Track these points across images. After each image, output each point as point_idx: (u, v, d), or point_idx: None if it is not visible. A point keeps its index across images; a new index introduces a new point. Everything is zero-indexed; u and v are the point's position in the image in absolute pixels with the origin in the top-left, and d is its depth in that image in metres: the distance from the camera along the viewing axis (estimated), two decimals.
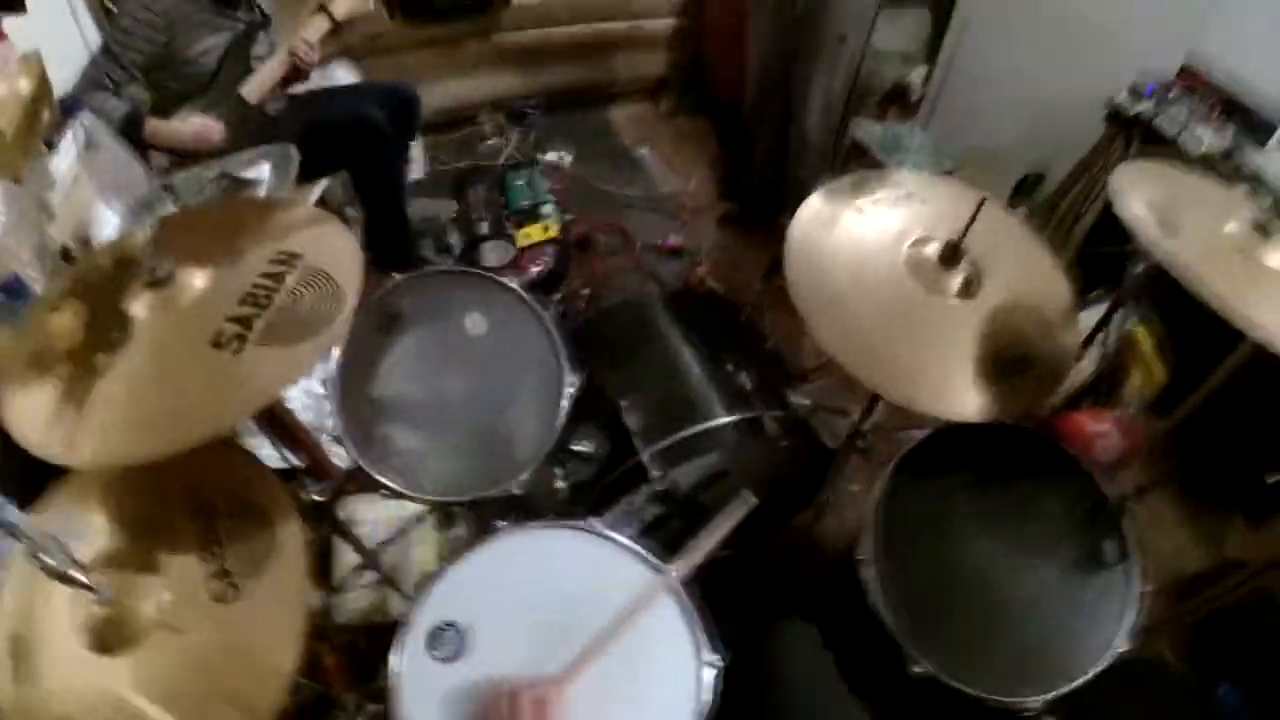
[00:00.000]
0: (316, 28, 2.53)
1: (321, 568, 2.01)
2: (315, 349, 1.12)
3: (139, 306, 1.16)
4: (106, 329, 1.16)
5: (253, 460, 1.30)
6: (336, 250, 1.24)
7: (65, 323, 1.20)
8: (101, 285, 1.24)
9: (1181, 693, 1.92)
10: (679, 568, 1.35)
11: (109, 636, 1.10)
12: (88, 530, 1.17)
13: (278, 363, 1.10)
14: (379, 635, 1.53)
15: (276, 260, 1.20)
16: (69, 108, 2.15)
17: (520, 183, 3.02)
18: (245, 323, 1.12)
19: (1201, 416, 2.14)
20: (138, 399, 1.09)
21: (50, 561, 0.99)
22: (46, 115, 2.12)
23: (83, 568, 1.03)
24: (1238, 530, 2.30)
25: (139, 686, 1.06)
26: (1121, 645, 1.44)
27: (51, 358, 1.15)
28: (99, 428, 1.07)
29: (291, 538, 1.17)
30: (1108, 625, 1.47)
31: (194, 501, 1.20)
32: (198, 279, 1.19)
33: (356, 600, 1.95)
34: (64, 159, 2.05)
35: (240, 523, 1.17)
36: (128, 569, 1.13)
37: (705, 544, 1.41)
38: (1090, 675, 1.42)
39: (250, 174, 2.14)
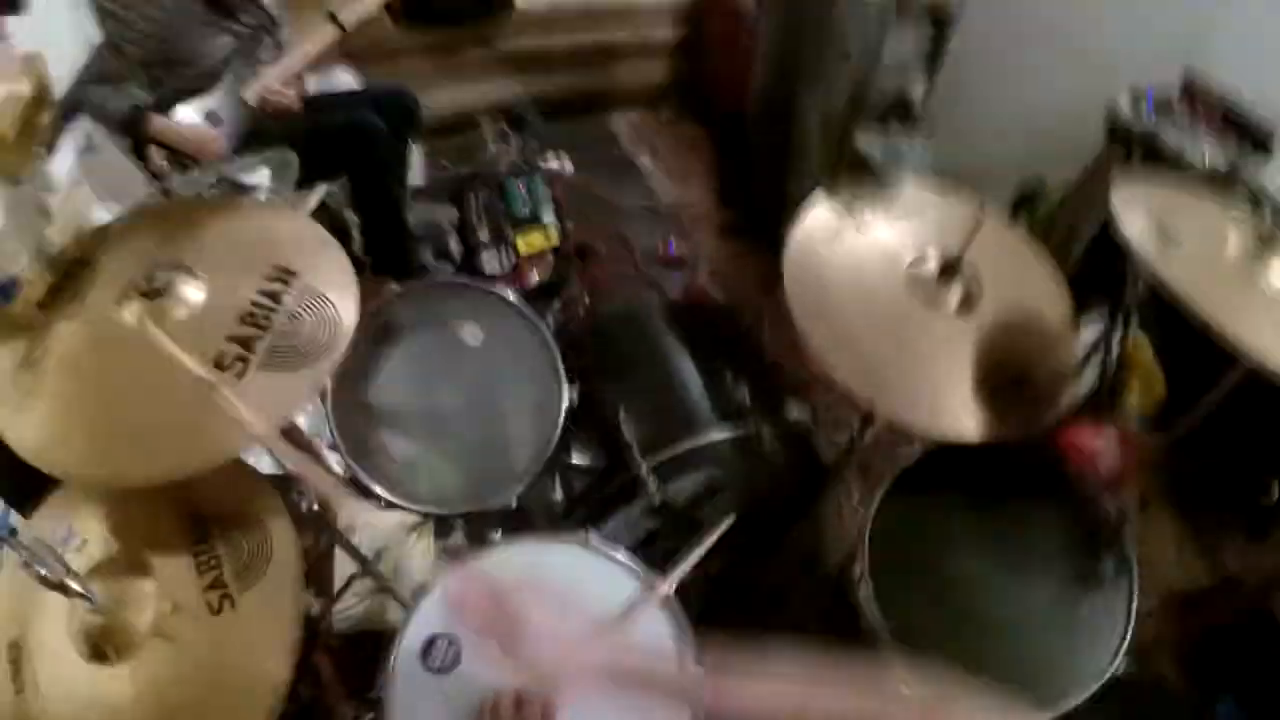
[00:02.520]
0: (324, 35, 2.52)
1: (320, 575, 2.00)
2: (317, 375, 1.13)
3: (129, 314, 1.15)
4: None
5: (248, 470, 1.29)
6: (332, 270, 1.23)
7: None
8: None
9: (1180, 712, 1.92)
10: (666, 581, 1.36)
11: (104, 645, 1.09)
12: (82, 538, 1.17)
13: (279, 388, 1.10)
14: (375, 644, 1.53)
15: (271, 276, 1.20)
16: (69, 108, 2.15)
17: (521, 190, 3.00)
18: (247, 344, 1.12)
19: (1200, 432, 2.12)
20: (135, 416, 1.09)
21: (46, 571, 0.98)
22: (47, 117, 2.12)
23: (78, 576, 1.03)
24: (1236, 546, 2.29)
25: (134, 695, 1.06)
26: (1118, 667, 1.43)
27: (40, 354, 1.15)
28: (98, 441, 1.07)
29: (286, 548, 1.16)
30: (1104, 645, 1.46)
31: (188, 510, 1.19)
32: (194, 292, 1.18)
33: (354, 608, 1.94)
34: (63, 161, 2.04)
35: (235, 533, 1.17)
36: (122, 578, 1.13)
37: (689, 560, 1.42)
38: (1085, 697, 1.41)
39: (249, 179, 2.13)
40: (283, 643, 1.10)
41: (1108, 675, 1.43)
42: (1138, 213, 1.41)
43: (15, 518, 1.52)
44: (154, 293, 1.15)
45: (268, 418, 1.06)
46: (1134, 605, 1.49)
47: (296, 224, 1.37)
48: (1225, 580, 2.24)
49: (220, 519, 1.18)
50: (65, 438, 1.08)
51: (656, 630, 1.33)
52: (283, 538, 1.17)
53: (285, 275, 1.20)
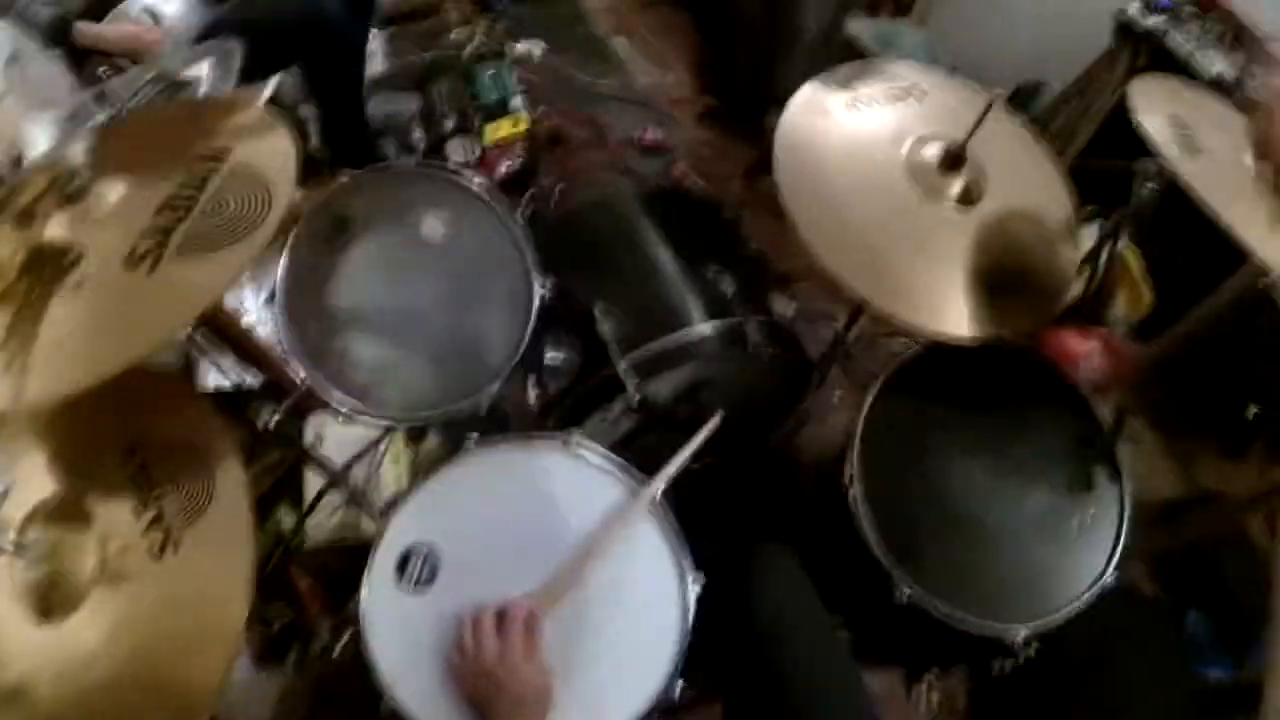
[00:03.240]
0: None
1: (291, 489, 1.95)
2: (241, 255, 1.02)
3: (55, 227, 1.06)
4: (48, 258, 1.06)
5: (188, 394, 1.23)
6: (266, 144, 1.13)
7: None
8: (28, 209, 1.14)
9: (1150, 620, 1.93)
10: (655, 484, 1.31)
11: (49, 601, 1.04)
12: (11, 485, 1.10)
13: (199, 275, 1.00)
14: (351, 556, 1.50)
15: (201, 160, 1.10)
16: None
17: (488, 76, 2.85)
18: (162, 234, 1.02)
19: (1185, 345, 2.18)
20: (55, 333, 1.00)
21: None
22: None
23: (11, 529, 1.00)
24: (1214, 462, 2.30)
25: (96, 646, 1.01)
26: (1109, 577, 1.42)
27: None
28: (15, 369, 0.98)
29: (232, 479, 1.09)
30: (1096, 555, 1.45)
31: (125, 443, 1.12)
32: (114, 190, 1.08)
33: (327, 521, 1.88)
34: None
35: (177, 467, 1.10)
36: (59, 525, 1.07)
37: (677, 461, 1.36)
38: (1078, 605, 1.40)
39: (189, 73, 2.00)
40: (238, 578, 1.04)
41: (1101, 585, 1.42)
42: (1157, 111, 1.33)
43: None
44: (70, 198, 1.06)
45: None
46: (1126, 515, 1.48)
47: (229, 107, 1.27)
48: (1200, 495, 2.26)
49: (159, 452, 1.11)
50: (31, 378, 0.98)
51: (646, 534, 1.29)
52: (228, 469, 1.10)
53: (215, 157, 1.10)
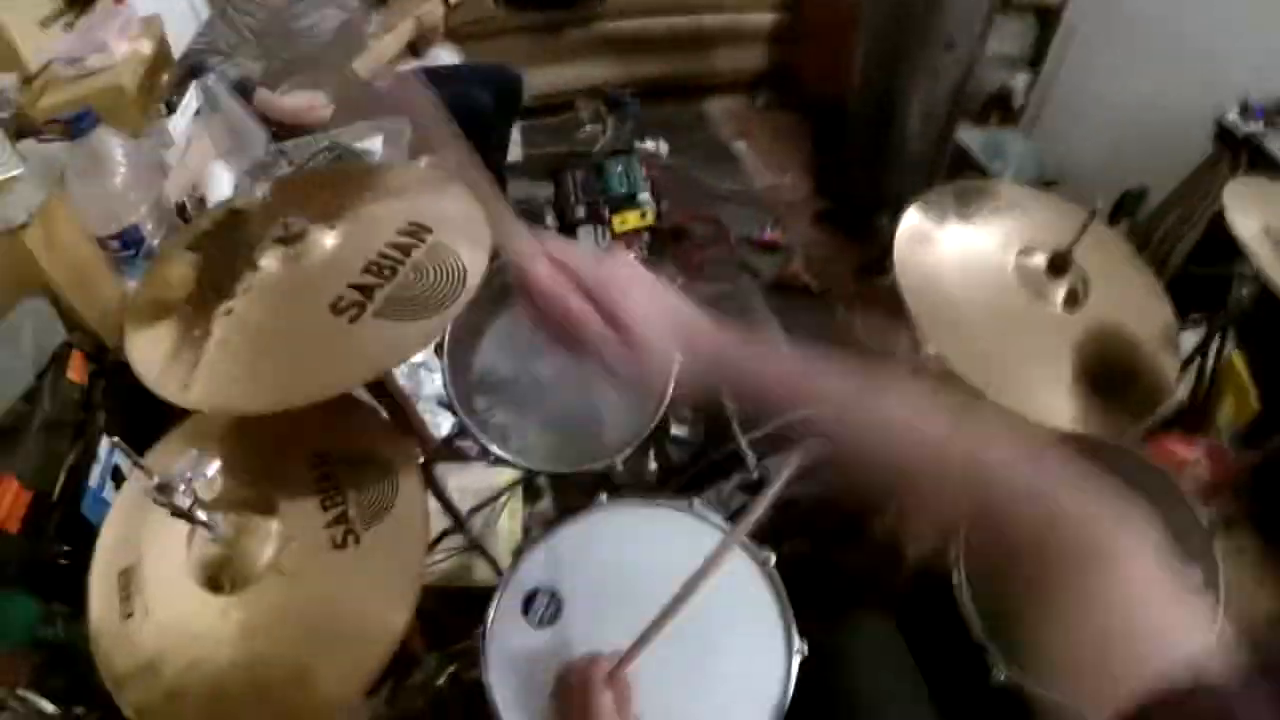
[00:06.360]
0: (431, 10, 2.57)
1: None
2: (430, 329, 1.13)
3: (268, 260, 1.19)
4: (223, 280, 1.18)
5: (374, 414, 1.33)
6: (467, 231, 1.22)
7: (180, 272, 1.24)
8: (216, 240, 1.29)
9: None
10: (740, 529, 1.26)
11: (221, 576, 1.11)
12: (206, 470, 1.18)
13: (391, 337, 1.11)
14: (455, 600, 1.58)
15: (406, 231, 1.22)
16: (193, 70, 2.22)
17: (618, 170, 3.02)
18: (367, 292, 1.13)
19: None
20: (253, 350, 1.12)
21: (177, 498, 1.01)
22: (165, 76, 2.20)
23: (204, 504, 1.05)
24: None
25: (241, 627, 1.07)
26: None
27: (168, 306, 1.19)
28: (213, 373, 1.10)
29: (412, 492, 1.17)
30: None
31: (313, 450, 1.21)
32: (328, 239, 1.21)
33: (440, 564, 1.98)
34: (182, 118, 2.12)
35: (361, 473, 1.18)
36: (245, 511, 1.14)
37: (761, 504, 1.31)
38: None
39: (362, 145, 2.19)
40: (403, 589, 1.11)
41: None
42: (1250, 215, 1.39)
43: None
44: (289, 239, 1.19)
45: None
46: (1219, 611, 1.47)
47: (436, 184, 1.39)
48: None
49: (346, 459, 1.20)
50: (225, 389, 1.10)
51: (757, 599, 1.32)
52: (409, 481, 1.18)
53: (420, 231, 1.21)
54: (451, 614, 1.48)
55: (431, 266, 1.17)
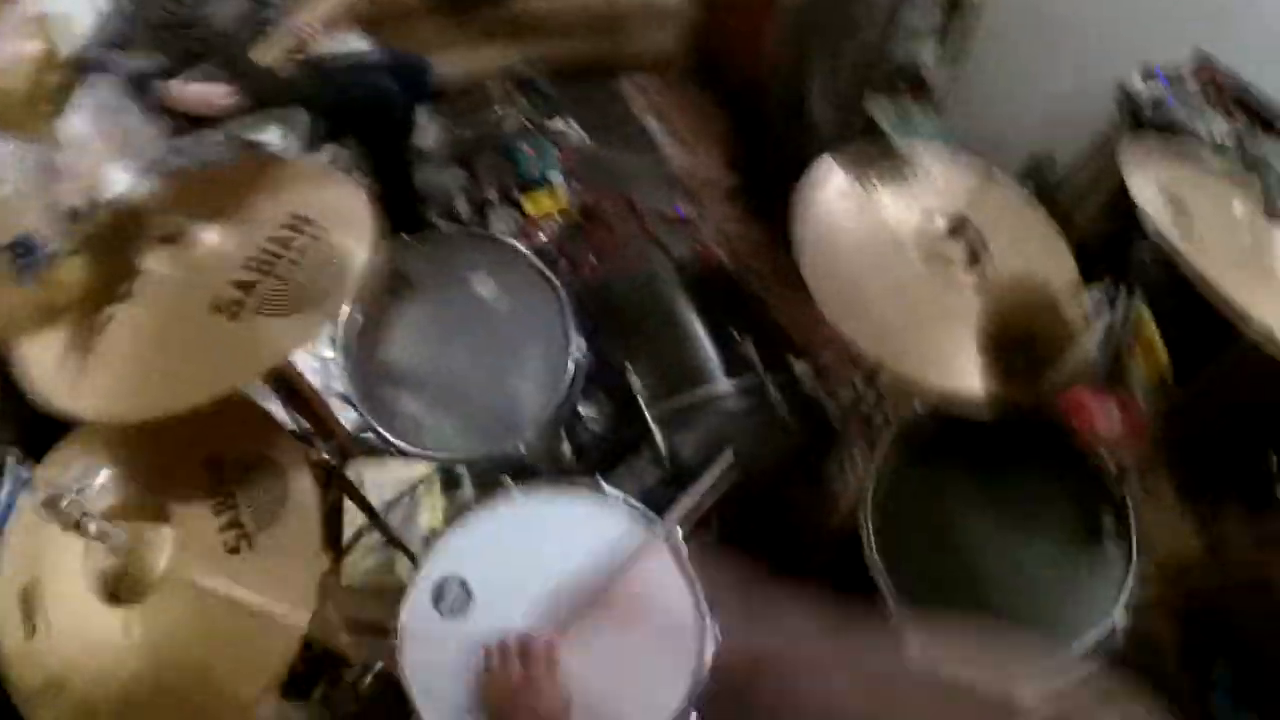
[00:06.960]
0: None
1: (330, 529, 2.01)
2: (312, 323, 1.13)
3: (151, 261, 1.17)
4: (112, 282, 1.17)
5: (265, 416, 1.31)
6: (351, 220, 1.22)
7: (71, 275, 1.22)
8: (107, 240, 1.27)
9: (1176, 676, 1.96)
10: (668, 522, 1.36)
11: (120, 586, 1.10)
12: (95, 481, 1.15)
13: (272, 334, 1.10)
14: (381, 600, 1.53)
15: (288, 225, 1.20)
16: (84, 68, 2.16)
17: (529, 152, 3.01)
18: (246, 288, 1.12)
19: (1200, 402, 2.18)
20: (140, 355, 1.11)
21: (65, 511, 0.99)
22: (56, 77, 2.13)
23: (95, 517, 1.03)
24: (1235, 516, 2.30)
25: (143, 638, 1.07)
26: (1117, 621, 1.45)
27: (58, 310, 1.17)
28: (100, 380, 1.09)
29: (305, 493, 1.17)
30: (1103, 601, 1.48)
31: (205, 454, 1.19)
32: (210, 236, 1.19)
33: (361, 562, 1.97)
34: (76, 119, 2.06)
35: (254, 475, 1.17)
36: (139, 519, 1.13)
37: (689, 498, 1.40)
38: (1082, 649, 1.43)
39: (258, 137, 2.14)
40: (303, 589, 1.10)
41: (1104, 627, 1.45)
42: (1149, 179, 1.42)
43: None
44: (172, 238, 1.17)
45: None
46: (1133, 562, 1.51)
47: (318, 174, 1.37)
48: (1223, 549, 2.24)
49: (238, 462, 1.19)
50: (112, 396, 1.10)
51: (667, 574, 1.34)
52: (302, 482, 1.18)
53: (300, 224, 1.20)
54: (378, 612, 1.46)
55: (310, 259, 1.16)
